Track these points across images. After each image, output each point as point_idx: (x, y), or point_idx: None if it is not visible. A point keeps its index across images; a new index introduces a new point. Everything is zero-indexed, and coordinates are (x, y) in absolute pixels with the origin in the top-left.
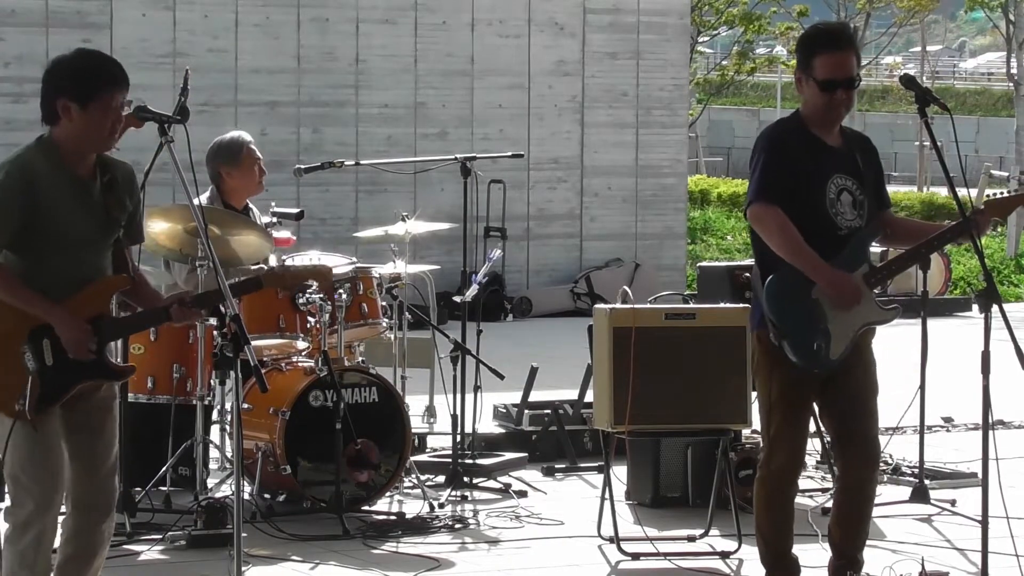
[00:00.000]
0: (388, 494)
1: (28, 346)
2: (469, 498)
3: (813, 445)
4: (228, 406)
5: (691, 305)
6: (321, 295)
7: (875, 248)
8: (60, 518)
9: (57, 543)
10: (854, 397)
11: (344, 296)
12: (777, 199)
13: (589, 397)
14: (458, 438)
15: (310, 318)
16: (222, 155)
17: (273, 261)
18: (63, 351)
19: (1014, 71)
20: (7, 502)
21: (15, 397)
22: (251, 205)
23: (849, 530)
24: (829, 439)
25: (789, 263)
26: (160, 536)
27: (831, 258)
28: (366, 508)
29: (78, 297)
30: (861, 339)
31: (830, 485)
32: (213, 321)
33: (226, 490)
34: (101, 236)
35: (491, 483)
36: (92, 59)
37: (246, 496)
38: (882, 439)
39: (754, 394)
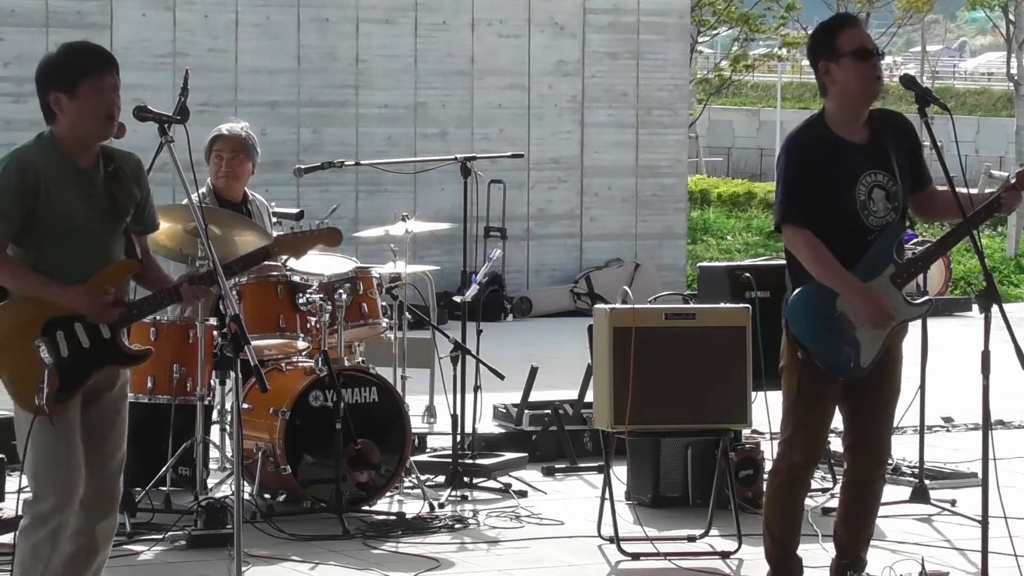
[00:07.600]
0: (388, 494)
1: (43, 340)
2: (469, 498)
3: None
4: (228, 406)
5: (691, 305)
6: (321, 295)
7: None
8: None
9: None
10: (874, 396)
11: (344, 296)
12: (804, 219)
13: (589, 397)
14: (458, 438)
15: (310, 318)
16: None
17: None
18: (78, 342)
19: (1014, 71)
20: (28, 496)
21: (34, 392)
22: (251, 195)
23: (853, 528)
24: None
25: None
26: (160, 536)
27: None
28: (366, 508)
29: (88, 284)
30: (891, 336)
31: (830, 485)
32: (213, 321)
33: (226, 490)
34: (107, 225)
35: (491, 483)
36: (73, 48)
37: (246, 496)
38: None
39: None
